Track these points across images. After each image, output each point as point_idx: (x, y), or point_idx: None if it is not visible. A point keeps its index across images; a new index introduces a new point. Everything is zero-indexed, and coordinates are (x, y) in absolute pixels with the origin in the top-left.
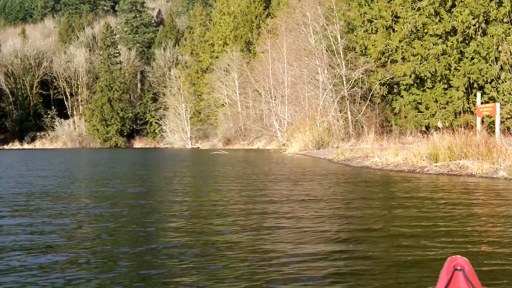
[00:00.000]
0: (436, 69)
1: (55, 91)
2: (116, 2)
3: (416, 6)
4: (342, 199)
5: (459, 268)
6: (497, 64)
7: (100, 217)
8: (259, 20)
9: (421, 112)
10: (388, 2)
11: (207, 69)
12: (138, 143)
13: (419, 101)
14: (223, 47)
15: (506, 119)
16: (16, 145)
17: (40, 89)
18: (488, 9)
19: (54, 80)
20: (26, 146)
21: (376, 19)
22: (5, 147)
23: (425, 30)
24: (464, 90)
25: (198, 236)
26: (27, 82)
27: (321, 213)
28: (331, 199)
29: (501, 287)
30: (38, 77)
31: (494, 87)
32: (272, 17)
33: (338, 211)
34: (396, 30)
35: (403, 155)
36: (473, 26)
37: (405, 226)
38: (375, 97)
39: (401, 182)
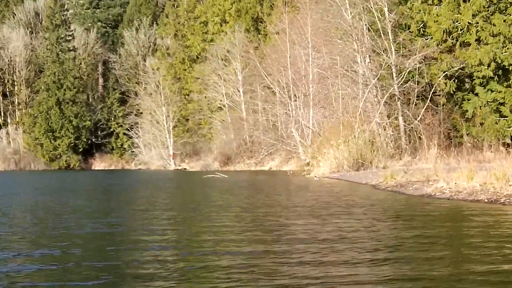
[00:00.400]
0: None
1: None
2: None
3: None
4: (396, 245)
5: None
6: None
7: None
8: None
9: (505, 116)
10: None
11: (198, 57)
12: (98, 163)
13: (502, 101)
14: (221, 26)
15: None
16: None
17: None
18: None
19: None
20: None
21: None
22: None
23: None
24: None
25: None
26: None
27: (368, 274)
28: (382, 245)
29: None
30: None
31: None
32: None
33: (396, 267)
34: (468, 0)
35: (481, 179)
36: None
37: None
38: (438, 95)
39: (479, 217)
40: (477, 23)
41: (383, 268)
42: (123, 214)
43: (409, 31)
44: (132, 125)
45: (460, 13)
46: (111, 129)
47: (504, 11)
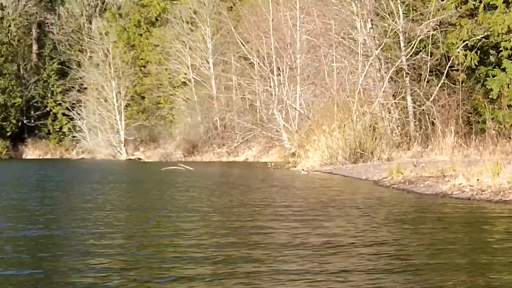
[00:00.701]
0: None
1: None
2: None
3: None
4: (402, 254)
5: None
6: None
7: None
8: None
9: None
10: None
11: (157, 19)
12: (31, 151)
13: None
14: None
15: None
16: None
17: None
18: None
19: None
20: None
21: None
22: None
23: None
24: None
25: None
26: None
27: (366, 286)
28: (384, 253)
29: None
30: None
31: None
32: None
33: (402, 278)
34: None
35: (509, 174)
36: None
37: None
38: (457, 70)
39: (507, 222)
40: None
41: (383, 278)
42: (58, 214)
43: None
44: (73, 103)
45: None
46: (47, 109)
47: None
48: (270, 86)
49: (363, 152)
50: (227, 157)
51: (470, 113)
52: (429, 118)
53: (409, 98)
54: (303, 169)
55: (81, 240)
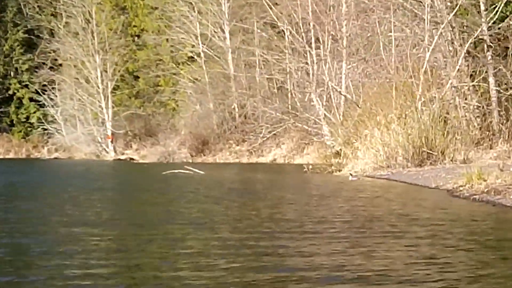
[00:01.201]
0: None
1: None
2: None
3: None
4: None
5: None
6: None
7: None
8: None
9: None
10: None
11: None
12: None
13: None
14: None
15: None
16: None
17: None
18: None
19: None
20: None
21: None
22: None
23: None
24: None
25: None
26: None
27: None
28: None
29: None
30: None
31: None
32: None
33: None
34: None
35: None
36: None
37: None
38: None
39: None
40: None
41: None
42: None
43: None
44: (44, 85)
45: None
46: (10, 92)
47: None
48: (307, 63)
49: (431, 152)
50: (249, 157)
51: None
52: None
53: (491, 79)
54: (351, 174)
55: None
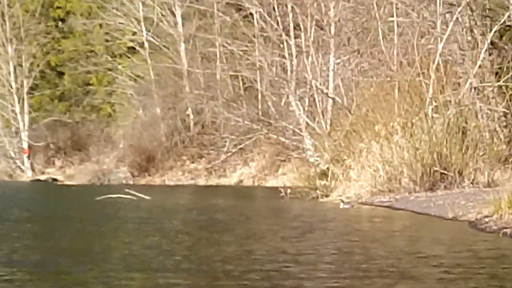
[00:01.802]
0: None
1: None
2: None
3: None
4: None
5: None
6: None
7: None
8: None
9: None
10: None
11: None
12: None
13: None
14: None
15: None
16: None
17: None
18: None
19: None
20: None
21: None
22: None
23: None
24: None
25: None
26: None
27: None
28: None
29: None
30: None
31: None
32: None
33: None
34: None
35: None
36: None
37: None
38: None
39: None
40: None
41: None
42: None
43: None
44: None
45: None
46: None
47: None
48: (284, 56)
49: (445, 172)
50: (207, 178)
51: None
52: None
53: None
54: (342, 201)
55: None
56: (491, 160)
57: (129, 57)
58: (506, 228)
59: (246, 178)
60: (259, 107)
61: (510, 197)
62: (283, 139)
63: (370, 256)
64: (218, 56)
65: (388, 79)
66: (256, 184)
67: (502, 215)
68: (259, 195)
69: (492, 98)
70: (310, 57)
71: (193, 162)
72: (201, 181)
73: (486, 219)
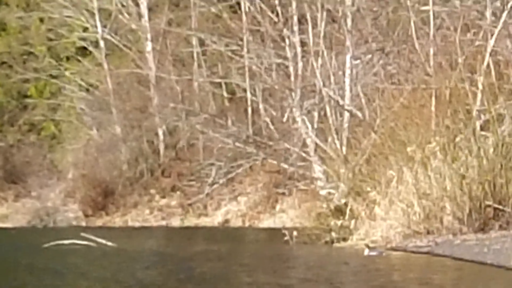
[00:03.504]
0: None
1: None
2: None
3: None
4: None
5: None
6: None
7: None
8: None
9: None
10: None
11: None
12: None
13: None
14: None
15: None
16: None
17: None
18: None
19: None
20: None
21: None
22: None
23: None
24: None
25: None
26: None
27: None
28: None
29: None
30: None
31: None
32: None
33: None
34: None
35: None
36: None
37: None
38: None
39: None
40: None
41: None
42: None
43: None
44: None
45: None
46: None
47: None
48: (285, 58)
49: (500, 207)
50: (183, 217)
51: None
52: None
53: None
54: (368, 247)
55: None
56: None
57: (79, 61)
58: None
59: (234, 217)
60: (250, 124)
61: None
62: (285, 166)
63: None
64: (195, 58)
65: (423, 86)
66: (246, 224)
67: None
68: (254, 238)
69: None
70: (319, 58)
71: (164, 197)
72: (175, 222)
73: None
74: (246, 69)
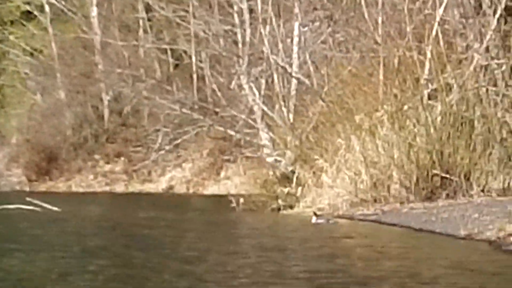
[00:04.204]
0: None
1: None
2: None
3: None
4: None
5: None
6: None
7: None
8: None
9: None
10: None
11: None
12: None
13: None
14: None
15: None
16: None
17: None
18: None
19: None
20: None
21: None
22: None
23: None
24: None
25: None
26: None
27: None
28: None
29: None
30: None
31: None
32: None
33: None
34: None
35: None
36: None
37: None
38: None
39: None
40: None
41: None
42: None
43: None
44: None
45: None
46: None
47: None
48: (233, 25)
49: (447, 176)
50: (127, 183)
51: None
52: None
53: None
54: (315, 214)
55: None
56: (506, 161)
57: (24, 25)
58: None
59: (178, 184)
60: (196, 91)
61: None
62: (232, 133)
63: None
64: (141, 23)
65: (371, 54)
66: (191, 191)
67: None
68: (200, 205)
69: (507, 80)
70: (268, 26)
71: (108, 163)
72: (119, 188)
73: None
74: (192, 35)
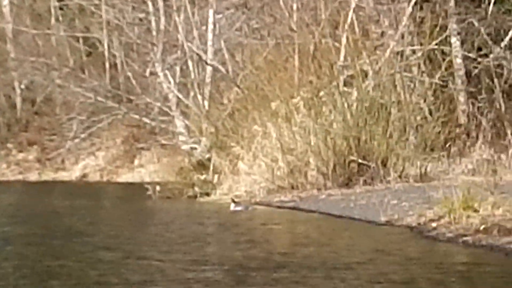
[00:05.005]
0: None
1: None
2: None
3: None
4: None
5: None
6: None
7: None
8: None
9: None
10: None
11: None
12: None
13: None
14: None
15: None
16: None
17: None
18: None
19: None
20: None
21: None
22: None
23: None
24: None
25: None
26: None
27: None
28: None
29: None
30: None
31: None
32: None
33: None
34: None
35: None
36: None
37: None
38: None
39: None
40: None
41: None
42: None
43: None
44: None
45: None
46: None
47: None
48: (147, 13)
49: (364, 162)
50: (41, 171)
51: None
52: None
53: (455, 39)
54: (234, 201)
55: None
56: (421, 147)
57: None
58: (466, 235)
59: (92, 172)
60: (108, 79)
61: (466, 195)
62: (146, 121)
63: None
64: (53, 11)
65: (287, 41)
66: (104, 179)
67: (456, 218)
68: (114, 193)
69: (423, 66)
70: (182, 13)
71: (21, 152)
72: (32, 176)
73: (433, 224)
74: (104, 23)
